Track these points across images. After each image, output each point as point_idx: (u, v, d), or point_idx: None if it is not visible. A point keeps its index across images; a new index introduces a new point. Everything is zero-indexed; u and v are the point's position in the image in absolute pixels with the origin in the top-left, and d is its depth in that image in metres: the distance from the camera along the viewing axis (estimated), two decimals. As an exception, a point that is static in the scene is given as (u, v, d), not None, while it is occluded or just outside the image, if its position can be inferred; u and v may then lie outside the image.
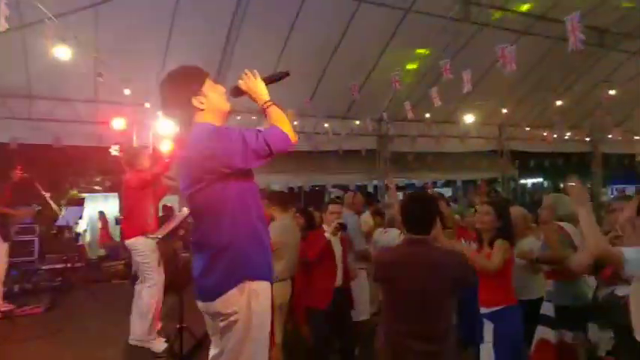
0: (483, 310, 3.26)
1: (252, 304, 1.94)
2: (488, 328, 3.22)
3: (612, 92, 8.68)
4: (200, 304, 2.07)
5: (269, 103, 2.07)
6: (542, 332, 3.52)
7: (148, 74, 5.94)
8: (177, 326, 4.25)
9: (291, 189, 11.90)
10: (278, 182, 9.62)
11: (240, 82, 2.11)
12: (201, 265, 2.02)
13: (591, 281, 3.65)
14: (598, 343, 3.27)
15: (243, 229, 1.97)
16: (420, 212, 2.58)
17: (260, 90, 2.09)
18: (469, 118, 9.20)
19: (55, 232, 8.29)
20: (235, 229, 1.95)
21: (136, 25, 6.35)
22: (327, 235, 3.98)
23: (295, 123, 7.21)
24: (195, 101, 2.02)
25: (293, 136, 1.98)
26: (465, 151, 10.62)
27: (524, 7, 7.92)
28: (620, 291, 3.12)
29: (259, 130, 1.96)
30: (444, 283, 2.45)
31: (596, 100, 9.56)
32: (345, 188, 10.57)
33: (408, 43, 7.77)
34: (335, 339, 4.12)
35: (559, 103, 9.10)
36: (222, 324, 1.98)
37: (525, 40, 7.87)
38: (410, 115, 7.88)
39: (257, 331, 1.97)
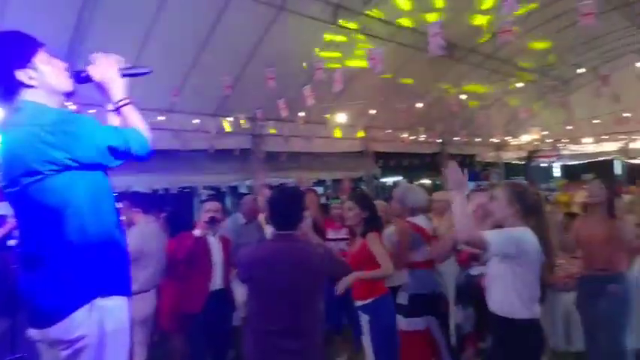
0: (358, 303, 3.37)
1: (106, 325, 1.64)
2: (364, 320, 3.34)
3: (463, 97, 9.80)
4: (33, 331, 1.69)
5: (126, 101, 1.76)
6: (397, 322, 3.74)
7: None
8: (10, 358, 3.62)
9: (155, 191, 11.07)
10: (140, 184, 8.84)
11: (91, 66, 1.75)
12: (33, 283, 1.64)
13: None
14: (462, 323, 3.58)
15: (93, 237, 1.64)
16: (285, 207, 2.54)
17: (117, 83, 1.76)
18: (340, 118, 9.58)
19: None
20: (82, 236, 1.62)
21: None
22: (198, 232, 3.76)
23: (162, 118, 6.72)
24: (21, 75, 1.65)
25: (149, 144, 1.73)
26: (335, 152, 11.08)
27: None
28: (475, 271, 3.50)
29: (116, 128, 1.69)
30: (312, 278, 2.45)
31: (446, 105, 10.72)
32: (217, 189, 10.21)
33: (282, 41, 7.77)
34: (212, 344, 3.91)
35: (419, 105, 9.95)
36: (64, 353, 1.63)
37: (388, 48, 8.42)
38: (284, 113, 7.90)
39: (112, 355, 1.67)
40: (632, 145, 14.05)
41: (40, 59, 1.69)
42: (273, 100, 8.20)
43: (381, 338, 3.26)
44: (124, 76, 1.80)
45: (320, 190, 12.11)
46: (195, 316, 3.73)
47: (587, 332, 3.64)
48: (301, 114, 8.78)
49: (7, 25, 5.78)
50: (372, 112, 9.99)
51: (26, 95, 1.66)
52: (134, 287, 3.47)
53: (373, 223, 3.46)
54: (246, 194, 7.91)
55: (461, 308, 3.64)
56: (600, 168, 14.86)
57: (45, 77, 1.69)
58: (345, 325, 4.66)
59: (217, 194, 9.45)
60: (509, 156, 16.40)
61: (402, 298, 3.70)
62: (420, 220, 3.89)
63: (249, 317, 2.54)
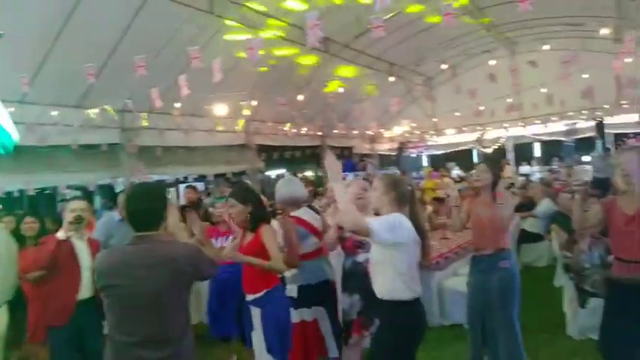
0: (249, 297, 3.27)
1: None
2: (255, 314, 3.26)
3: (341, 90, 10.14)
4: None
5: None
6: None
7: None
8: None
9: (8, 193, 9.67)
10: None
11: None
12: None
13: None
14: (349, 308, 3.66)
15: None
16: (144, 206, 2.29)
17: None
18: (219, 110, 9.28)
19: None
20: None
21: None
22: (61, 235, 3.34)
23: (11, 109, 5.85)
24: None
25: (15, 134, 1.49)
26: (215, 145, 10.72)
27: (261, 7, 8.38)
28: (361, 258, 3.61)
29: None
30: (176, 281, 2.23)
31: (325, 99, 11.02)
32: (83, 189, 9.25)
33: (152, 28, 7.26)
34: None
35: (300, 97, 10.06)
36: None
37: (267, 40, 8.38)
38: (158, 103, 7.40)
39: None
40: (485, 136, 15.94)
41: None
42: (145, 90, 7.63)
43: (274, 330, 3.17)
44: None
45: (201, 186, 11.63)
46: (60, 329, 3.31)
47: (476, 307, 3.81)
48: (177, 105, 8.31)
49: None
50: (254, 103, 9.83)
51: None
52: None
53: (261, 215, 3.34)
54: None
55: (347, 295, 3.68)
56: (461, 157, 16.58)
57: None
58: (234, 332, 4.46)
59: (85, 194, 8.57)
60: (383, 147, 17.52)
61: (292, 291, 3.66)
62: (302, 213, 3.84)
63: (109, 329, 2.25)
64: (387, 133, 17.08)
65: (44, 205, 10.66)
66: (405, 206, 2.77)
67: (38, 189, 9.88)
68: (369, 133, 16.12)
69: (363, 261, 3.52)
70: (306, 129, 12.71)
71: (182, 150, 9.84)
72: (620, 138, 12.65)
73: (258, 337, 3.26)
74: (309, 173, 15.81)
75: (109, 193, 9.63)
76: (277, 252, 3.23)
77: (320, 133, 13.74)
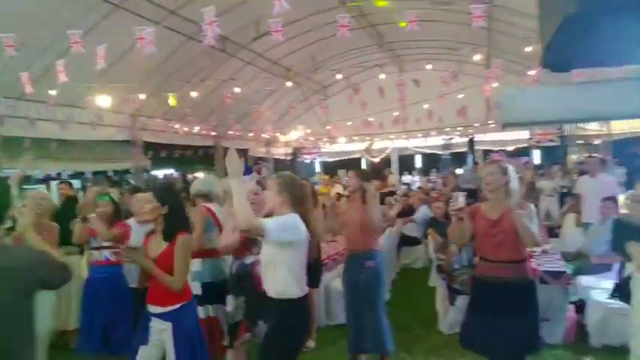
0: (157, 310, 2.96)
1: None
2: (160, 328, 2.95)
3: (237, 90, 9.97)
4: None
5: None
6: None
7: None
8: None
9: None
10: None
11: None
12: None
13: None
14: (235, 311, 3.64)
15: None
16: None
17: None
18: (102, 101, 8.53)
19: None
20: None
21: None
22: None
23: None
24: None
25: None
26: (96, 140, 9.88)
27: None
28: (248, 260, 3.62)
29: None
30: (18, 291, 1.86)
31: (219, 99, 10.76)
32: None
33: (26, 8, 6.48)
34: None
35: (193, 94, 9.70)
36: None
37: (160, 31, 7.95)
38: (29, 89, 6.60)
39: None
40: (373, 146, 16.87)
41: None
42: (13, 73, 6.77)
43: (188, 347, 2.93)
44: None
45: (77, 183, 10.60)
46: None
47: (350, 303, 4.19)
48: (52, 92, 7.49)
49: None
50: (142, 96, 9.24)
51: None
52: None
53: (179, 223, 3.01)
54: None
55: (233, 298, 3.65)
56: (351, 165, 17.33)
57: None
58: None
59: None
60: (278, 152, 17.63)
61: (195, 288, 3.50)
62: (213, 207, 3.90)
63: None
64: (282, 138, 17.22)
65: None
66: (298, 206, 2.83)
67: None
68: (265, 136, 16.11)
69: (250, 263, 3.53)
70: (198, 128, 12.27)
71: (56, 143, 8.89)
72: (487, 153, 14.23)
73: (149, 353, 2.96)
74: (199, 174, 15.31)
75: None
76: (183, 271, 2.98)
77: (214, 133, 13.38)
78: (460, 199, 3.23)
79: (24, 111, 7.85)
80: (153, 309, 2.98)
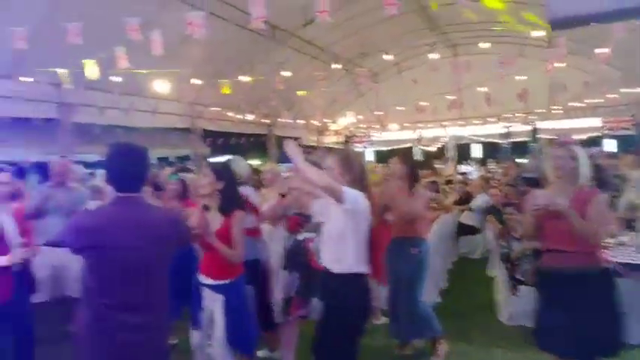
0: (209, 282, 3.17)
1: None
2: (213, 298, 3.16)
3: (287, 74, 9.99)
4: None
5: None
6: None
7: None
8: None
9: None
10: None
11: None
12: None
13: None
14: (288, 286, 3.68)
15: None
16: (129, 166, 2.25)
17: None
18: (161, 87, 8.84)
19: None
20: None
21: None
22: None
23: None
24: None
25: None
26: (157, 127, 10.29)
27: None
28: (301, 236, 3.65)
29: None
30: (158, 245, 2.21)
31: (271, 87, 10.86)
32: (15, 164, 8.55)
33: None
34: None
35: (245, 81, 9.84)
36: None
37: (212, 21, 8.08)
38: (94, 75, 6.91)
39: None
40: (425, 134, 16.48)
41: None
42: (79, 60, 7.09)
43: (236, 318, 3.11)
44: None
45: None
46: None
47: (391, 290, 4.19)
48: (115, 79, 7.81)
49: None
50: (197, 81, 9.47)
51: None
52: None
53: (233, 198, 3.23)
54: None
55: (288, 273, 3.67)
56: (403, 154, 17.03)
57: None
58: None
59: (17, 170, 7.89)
60: (330, 140, 17.63)
61: None
62: (245, 190, 3.91)
63: (85, 291, 2.18)
64: (333, 126, 17.19)
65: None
66: (358, 185, 2.81)
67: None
68: (316, 123, 16.14)
69: (303, 239, 3.56)
70: (252, 116, 12.49)
71: (121, 129, 9.36)
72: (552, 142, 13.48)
73: (219, 321, 3.15)
74: (255, 161, 15.62)
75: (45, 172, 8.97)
76: (241, 246, 3.17)
77: (267, 121, 13.57)
78: (543, 197, 2.96)
79: (94, 100, 8.29)
80: (205, 280, 3.17)
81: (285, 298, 3.67)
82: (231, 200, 3.19)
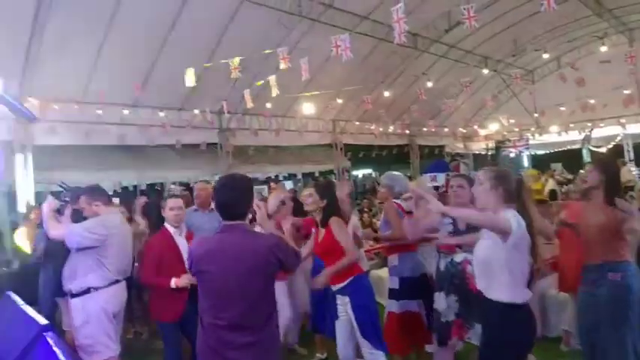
0: (336, 287, 3.33)
1: None
2: (343, 302, 3.31)
3: (430, 84, 9.86)
4: None
5: None
6: (389, 305, 3.76)
7: None
8: None
9: (124, 188, 10.82)
10: (108, 180, 8.65)
11: None
12: None
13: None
14: (445, 309, 3.41)
15: None
16: (231, 197, 2.41)
17: None
18: (307, 109, 9.53)
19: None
20: None
21: None
22: (171, 229, 3.63)
23: (126, 112, 6.56)
24: None
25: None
26: (303, 145, 11.04)
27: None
28: (458, 258, 3.44)
29: None
30: (262, 269, 2.34)
31: (413, 97, 10.79)
32: (186, 185, 10.03)
33: (244, 33, 7.68)
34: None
35: (386, 94, 9.99)
36: None
37: (353, 37, 8.42)
38: (250, 104, 7.80)
39: None
40: (596, 133, 14.40)
41: None
42: (239, 91, 8.10)
43: (364, 313, 3.23)
44: None
45: (290, 184, 12.00)
46: (174, 324, 3.53)
47: (584, 323, 3.35)
48: (268, 105, 8.69)
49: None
50: (339, 101, 9.94)
51: None
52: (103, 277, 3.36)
53: (332, 211, 3.41)
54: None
55: (443, 295, 3.44)
56: (568, 156, 15.16)
57: None
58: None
59: (187, 189, 9.28)
60: (478, 146, 16.67)
61: (393, 283, 3.75)
62: (401, 202, 3.93)
63: (200, 313, 2.41)
64: (482, 131, 16.23)
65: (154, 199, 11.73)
66: (512, 202, 2.54)
67: (149, 184, 10.89)
68: (462, 130, 15.44)
69: (460, 261, 3.36)
70: (392, 127, 12.54)
71: (273, 149, 10.27)
72: None
73: (342, 327, 3.33)
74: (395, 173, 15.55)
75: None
76: (348, 242, 3.29)
77: (408, 132, 13.47)
78: None
79: (247, 123, 9.30)
80: (333, 287, 3.33)
81: (443, 322, 3.54)
82: (329, 215, 3.36)
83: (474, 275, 2.72)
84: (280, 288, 4.04)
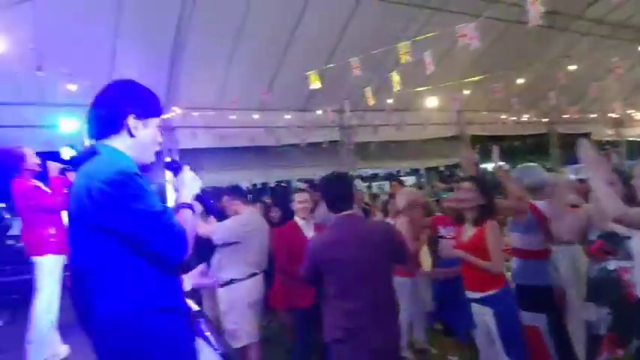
0: (475, 295, 3.11)
1: None
2: (482, 312, 3.09)
3: (572, 67, 8.84)
4: None
5: (187, 206, 1.83)
6: None
7: (96, 70, 5.77)
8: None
9: (254, 185, 11.67)
10: (241, 179, 9.41)
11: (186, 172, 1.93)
12: None
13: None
14: (596, 322, 3.15)
15: None
16: (341, 189, 2.71)
17: (190, 192, 1.89)
18: (431, 102, 9.21)
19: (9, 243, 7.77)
20: None
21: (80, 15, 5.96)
22: (299, 221, 3.86)
23: (256, 116, 7.03)
24: (132, 121, 1.72)
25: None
26: (426, 138, 10.68)
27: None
28: (611, 265, 3.05)
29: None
30: (383, 252, 2.58)
31: (551, 82, 9.75)
32: (311, 181, 10.43)
33: (364, 29, 7.66)
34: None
35: (519, 81, 9.21)
36: None
37: (480, 23, 7.88)
38: (371, 102, 7.77)
39: None
40: None
41: (153, 123, 1.80)
42: (359, 89, 8.13)
43: (511, 331, 2.99)
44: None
45: (412, 179, 11.72)
46: (300, 310, 3.74)
47: None
48: (389, 101, 8.58)
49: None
50: (466, 92, 9.40)
51: (113, 141, 1.72)
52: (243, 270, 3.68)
53: (490, 212, 3.14)
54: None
55: (593, 306, 3.15)
56: None
57: (144, 139, 1.77)
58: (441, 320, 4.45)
59: (312, 186, 9.67)
60: (633, 132, 14.47)
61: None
62: (540, 204, 3.47)
63: (327, 298, 2.62)
64: (638, 115, 14.07)
65: (281, 195, 12.46)
66: None
67: (277, 182, 11.61)
68: (613, 115, 13.54)
69: (615, 269, 3.01)
70: (527, 116, 11.47)
71: (394, 144, 10.12)
72: None
73: (495, 337, 3.06)
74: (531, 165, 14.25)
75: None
76: (499, 254, 3.04)
77: (545, 120, 12.21)
78: None
79: (368, 120, 9.30)
80: (471, 294, 3.13)
81: (593, 335, 3.20)
82: (486, 212, 3.09)
83: (633, 284, 2.41)
84: (404, 286, 4.02)
